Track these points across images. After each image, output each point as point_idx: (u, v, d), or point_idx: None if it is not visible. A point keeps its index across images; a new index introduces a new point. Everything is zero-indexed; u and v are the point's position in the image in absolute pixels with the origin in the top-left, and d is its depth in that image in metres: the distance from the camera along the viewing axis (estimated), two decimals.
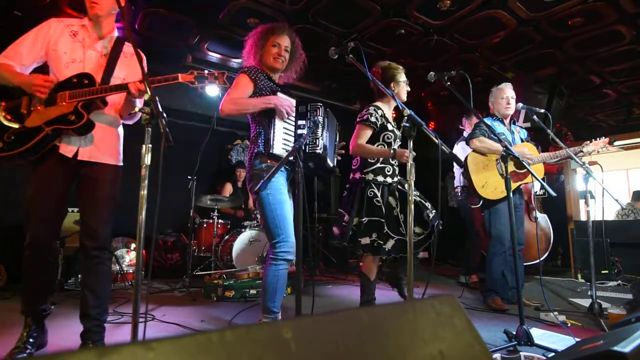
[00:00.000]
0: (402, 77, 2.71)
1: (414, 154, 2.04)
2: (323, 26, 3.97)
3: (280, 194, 2.08)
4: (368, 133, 2.61)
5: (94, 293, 1.95)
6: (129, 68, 2.07)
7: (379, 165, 2.61)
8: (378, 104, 2.68)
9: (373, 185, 2.59)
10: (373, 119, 2.59)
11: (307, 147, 2.08)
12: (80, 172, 1.96)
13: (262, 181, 1.77)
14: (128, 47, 2.09)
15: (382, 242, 2.50)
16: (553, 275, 5.33)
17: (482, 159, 3.17)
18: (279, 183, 2.10)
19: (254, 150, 2.16)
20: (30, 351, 1.92)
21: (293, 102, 2.14)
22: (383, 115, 2.63)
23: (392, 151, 2.47)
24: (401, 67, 2.75)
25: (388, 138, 2.64)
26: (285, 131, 2.11)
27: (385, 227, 2.52)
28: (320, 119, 2.10)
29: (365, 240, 2.52)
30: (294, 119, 2.15)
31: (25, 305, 1.99)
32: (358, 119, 2.64)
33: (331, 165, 2.25)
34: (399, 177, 2.72)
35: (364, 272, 2.68)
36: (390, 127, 2.65)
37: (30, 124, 1.84)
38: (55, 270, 2.00)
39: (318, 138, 2.10)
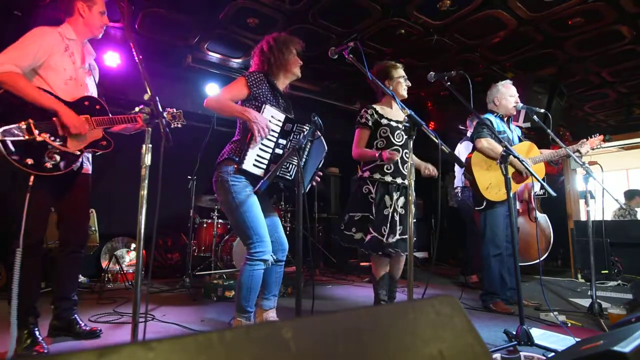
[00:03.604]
0: (396, 73, 2.68)
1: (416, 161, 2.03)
2: (323, 26, 3.97)
3: (248, 196, 2.05)
4: (365, 134, 2.67)
5: (71, 278, 2.21)
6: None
7: (377, 162, 2.61)
8: (374, 105, 2.71)
9: (369, 182, 2.62)
10: (363, 120, 2.66)
11: (281, 170, 2.04)
12: (74, 180, 2.15)
13: (262, 181, 1.77)
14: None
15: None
16: (553, 275, 5.33)
17: (485, 159, 3.12)
18: (246, 186, 2.07)
19: (228, 152, 2.12)
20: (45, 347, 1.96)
21: (282, 117, 2.08)
22: (375, 113, 2.65)
23: (377, 154, 2.51)
24: (399, 65, 2.73)
25: (384, 132, 2.65)
26: (262, 147, 2.05)
27: (374, 224, 2.53)
28: (302, 143, 2.05)
29: (359, 235, 2.56)
30: (276, 136, 2.09)
31: (29, 304, 2.00)
32: (356, 124, 2.71)
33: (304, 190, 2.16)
34: (406, 179, 2.58)
35: (372, 272, 2.71)
36: (385, 121, 2.65)
37: (72, 148, 1.99)
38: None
39: (292, 164, 2.07)
